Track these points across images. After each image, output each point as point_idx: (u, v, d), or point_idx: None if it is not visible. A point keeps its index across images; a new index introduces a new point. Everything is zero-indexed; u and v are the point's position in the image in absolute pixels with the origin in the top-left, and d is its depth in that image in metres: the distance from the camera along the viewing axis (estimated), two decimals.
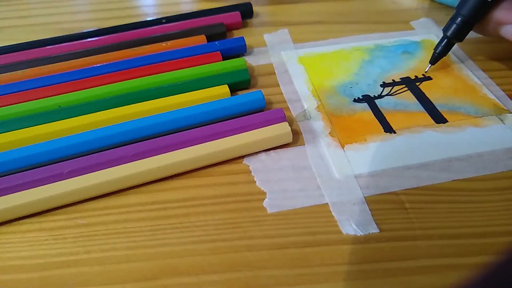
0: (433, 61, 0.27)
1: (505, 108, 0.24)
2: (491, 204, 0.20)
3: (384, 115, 0.24)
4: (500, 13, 0.24)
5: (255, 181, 0.21)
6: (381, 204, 0.20)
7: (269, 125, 0.22)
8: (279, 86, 0.27)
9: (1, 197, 0.19)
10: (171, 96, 0.24)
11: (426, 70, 0.27)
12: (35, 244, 0.19)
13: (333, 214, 0.19)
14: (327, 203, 0.20)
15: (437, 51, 0.26)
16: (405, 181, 0.21)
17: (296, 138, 0.23)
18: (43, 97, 0.24)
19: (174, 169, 0.21)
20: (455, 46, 0.29)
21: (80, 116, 0.23)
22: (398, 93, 0.26)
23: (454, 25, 0.25)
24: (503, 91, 0.26)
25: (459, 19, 0.25)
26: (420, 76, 0.27)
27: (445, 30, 0.26)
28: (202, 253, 0.18)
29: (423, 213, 0.19)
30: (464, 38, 0.25)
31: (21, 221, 0.20)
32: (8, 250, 0.19)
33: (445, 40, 0.26)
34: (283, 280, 0.17)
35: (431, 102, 0.25)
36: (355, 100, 0.25)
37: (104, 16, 0.35)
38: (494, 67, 0.28)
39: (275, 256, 0.18)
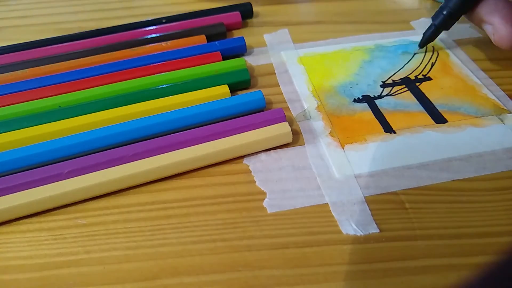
0: (422, 44, 0.28)
1: (505, 108, 0.24)
2: (491, 204, 0.20)
3: (384, 115, 0.24)
4: (482, 11, 0.25)
5: (255, 181, 0.21)
6: (381, 204, 0.20)
7: (269, 125, 0.22)
8: (279, 86, 0.27)
9: (1, 197, 0.19)
10: (171, 96, 0.24)
11: (415, 52, 0.29)
12: (35, 244, 0.19)
13: (333, 214, 0.19)
14: (327, 203, 0.20)
15: (425, 36, 0.28)
16: (405, 181, 0.21)
17: (296, 138, 0.23)
18: (43, 97, 0.24)
19: (174, 169, 0.21)
20: (455, 46, 0.29)
21: (80, 116, 0.23)
22: (398, 93, 0.26)
23: (441, 16, 0.26)
24: (503, 91, 0.26)
25: (446, 10, 0.26)
26: (420, 76, 0.27)
27: (433, 18, 0.27)
28: (202, 253, 0.18)
29: (423, 213, 0.19)
30: (450, 27, 0.27)
31: (21, 221, 0.20)
32: (8, 250, 0.19)
33: (433, 27, 0.27)
34: (283, 280, 0.17)
35: (431, 102, 0.25)
36: (355, 100, 0.25)
37: (104, 16, 0.35)
38: (494, 67, 0.28)
39: (275, 256, 0.18)
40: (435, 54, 0.29)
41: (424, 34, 0.28)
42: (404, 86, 0.26)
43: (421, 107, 0.25)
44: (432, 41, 0.28)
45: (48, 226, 0.19)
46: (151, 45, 0.29)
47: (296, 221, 0.19)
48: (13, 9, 0.36)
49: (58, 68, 0.27)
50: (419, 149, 0.22)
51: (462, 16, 0.26)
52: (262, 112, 0.23)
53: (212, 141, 0.22)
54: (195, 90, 0.25)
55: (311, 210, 0.20)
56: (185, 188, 0.21)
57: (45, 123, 0.23)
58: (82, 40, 0.30)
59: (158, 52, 0.28)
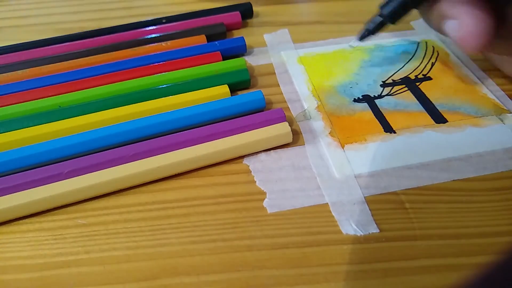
0: (361, 37, 0.25)
1: (505, 108, 0.24)
2: (491, 204, 0.20)
3: (384, 115, 0.24)
4: (444, 5, 0.20)
5: (255, 181, 0.21)
6: (381, 204, 0.20)
7: (269, 125, 0.22)
8: (279, 86, 0.27)
9: (1, 197, 0.19)
10: (171, 96, 0.24)
11: (350, 44, 0.25)
12: (35, 244, 0.19)
13: (333, 214, 0.19)
14: (327, 203, 0.20)
15: (368, 28, 0.24)
16: (405, 181, 0.21)
17: (296, 138, 0.23)
18: (43, 97, 0.24)
19: (174, 169, 0.21)
20: (455, 46, 0.29)
21: (80, 116, 0.23)
22: (398, 93, 0.26)
23: (392, 4, 0.23)
24: (503, 91, 0.26)
25: None
26: (420, 76, 0.27)
27: (382, 7, 0.23)
28: (202, 253, 0.18)
29: (423, 213, 0.19)
30: (397, 20, 0.23)
31: (21, 221, 0.20)
32: (8, 250, 0.19)
33: (380, 19, 0.24)
34: (283, 280, 0.17)
35: (431, 102, 0.25)
36: (355, 100, 0.25)
37: (104, 16, 0.35)
38: (494, 67, 0.28)
39: (275, 256, 0.18)
40: (435, 54, 0.29)
41: (365, 25, 0.24)
42: (404, 85, 0.26)
43: (421, 107, 0.25)
44: (374, 34, 0.24)
45: (48, 226, 0.19)
46: (151, 45, 0.29)
47: (296, 221, 0.19)
48: (13, 9, 0.36)
49: (58, 68, 0.27)
50: (419, 149, 0.22)
51: None
52: (262, 112, 0.23)
53: (212, 141, 0.22)
54: (195, 90, 0.25)
55: (311, 210, 0.20)
56: (185, 188, 0.21)
57: (45, 123, 0.23)
58: (82, 40, 0.30)
59: (158, 52, 0.28)
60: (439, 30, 0.22)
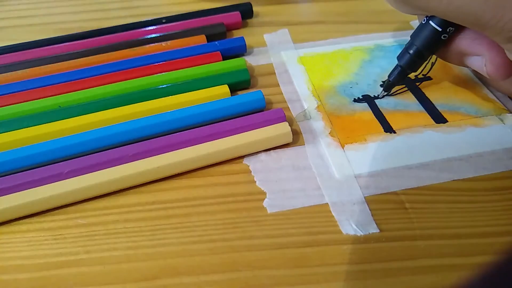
0: (387, 88, 0.25)
1: (505, 108, 0.24)
2: (491, 204, 0.20)
3: (384, 115, 0.24)
4: (463, 44, 0.21)
5: (255, 181, 0.21)
6: (381, 204, 0.20)
7: (269, 125, 0.22)
8: (279, 86, 0.27)
9: (1, 197, 0.19)
10: (171, 96, 0.24)
11: (379, 96, 0.25)
12: (35, 244, 0.19)
13: (333, 214, 0.19)
14: (327, 203, 0.20)
15: (391, 79, 0.24)
16: (405, 181, 0.21)
17: (296, 138, 0.23)
18: (43, 97, 0.24)
19: (174, 169, 0.21)
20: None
21: (80, 116, 0.23)
22: (398, 93, 0.26)
23: (408, 55, 0.23)
24: None
25: (413, 49, 0.23)
26: (420, 76, 0.27)
27: (398, 59, 0.24)
28: (202, 253, 0.18)
29: (423, 213, 0.19)
30: (418, 68, 0.24)
31: (21, 221, 0.20)
32: (8, 250, 0.19)
33: (399, 69, 0.24)
34: (283, 280, 0.17)
35: (431, 102, 0.25)
36: (355, 100, 0.25)
37: (104, 16, 0.35)
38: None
39: (275, 256, 0.18)
40: None
41: (389, 76, 0.24)
42: (404, 85, 0.26)
43: (421, 107, 0.25)
44: (399, 84, 0.25)
45: (48, 226, 0.19)
46: (151, 45, 0.28)
47: (296, 221, 0.19)
48: (13, 9, 0.36)
49: (58, 68, 0.27)
50: (419, 149, 0.22)
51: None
52: (262, 112, 0.23)
53: (212, 141, 0.22)
54: (195, 90, 0.25)
55: (311, 210, 0.20)
56: (185, 188, 0.21)
57: (45, 123, 0.23)
58: (82, 40, 0.30)
59: (158, 52, 0.28)
60: (461, 64, 0.23)
